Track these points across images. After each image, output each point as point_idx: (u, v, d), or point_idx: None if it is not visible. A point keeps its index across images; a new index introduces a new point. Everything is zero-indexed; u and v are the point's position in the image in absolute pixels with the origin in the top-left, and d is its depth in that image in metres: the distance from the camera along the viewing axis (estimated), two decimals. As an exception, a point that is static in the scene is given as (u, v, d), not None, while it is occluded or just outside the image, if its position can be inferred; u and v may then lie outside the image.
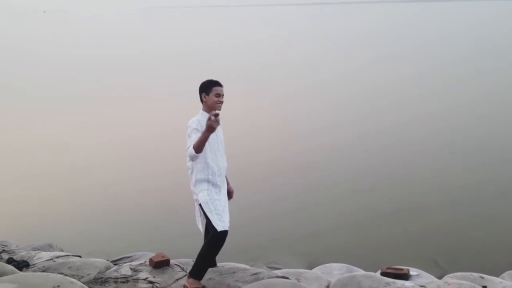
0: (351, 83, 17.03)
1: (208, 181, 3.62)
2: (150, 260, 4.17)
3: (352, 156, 9.05)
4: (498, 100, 13.43)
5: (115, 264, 4.48)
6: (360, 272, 4.33)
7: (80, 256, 4.71)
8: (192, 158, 3.50)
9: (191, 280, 3.64)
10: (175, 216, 6.30)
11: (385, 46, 28.04)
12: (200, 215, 3.67)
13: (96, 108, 13.70)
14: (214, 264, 4.02)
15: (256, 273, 4.00)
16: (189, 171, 3.68)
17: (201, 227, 3.75)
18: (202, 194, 3.60)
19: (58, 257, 4.49)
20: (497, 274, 4.34)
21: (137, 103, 14.18)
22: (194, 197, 3.68)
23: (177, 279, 3.87)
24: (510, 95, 14.39)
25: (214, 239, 3.53)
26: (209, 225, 3.57)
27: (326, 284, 4.04)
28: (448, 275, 4.26)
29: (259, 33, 42.51)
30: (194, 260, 3.73)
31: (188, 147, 3.45)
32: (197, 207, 3.69)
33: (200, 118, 3.61)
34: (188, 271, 3.75)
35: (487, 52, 24.07)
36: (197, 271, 3.65)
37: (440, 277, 4.29)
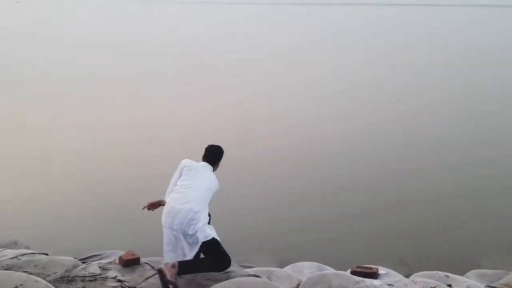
0: (341, 78, 17.35)
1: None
2: (120, 258, 4.10)
3: (325, 156, 9.16)
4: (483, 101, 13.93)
5: (83, 263, 4.38)
6: (330, 270, 4.38)
7: (46, 254, 4.58)
8: None
9: (174, 270, 3.57)
10: (146, 213, 6.19)
11: (378, 42, 28.84)
12: (195, 251, 3.74)
13: (67, 103, 13.36)
14: None
15: (227, 272, 3.99)
16: (199, 213, 3.74)
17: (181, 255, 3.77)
18: (212, 231, 3.81)
19: (23, 255, 4.35)
20: (461, 273, 4.49)
21: (106, 101, 13.89)
22: (202, 234, 3.71)
23: (147, 278, 3.82)
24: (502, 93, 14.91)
25: (226, 266, 3.82)
26: (219, 256, 3.78)
27: (297, 282, 4.06)
28: (415, 274, 4.38)
29: (248, 29, 42.64)
30: (195, 263, 3.74)
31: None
32: (198, 245, 3.73)
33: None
34: (178, 262, 3.69)
35: (481, 49, 25.31)
36: (186, 271, 3.70)
37: (407, 276, 4.39)
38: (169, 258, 3.80)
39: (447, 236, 6.00)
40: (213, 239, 3.78)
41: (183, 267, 3.68)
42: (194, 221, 3.69)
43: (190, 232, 3.70)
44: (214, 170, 4.06)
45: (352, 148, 9.63)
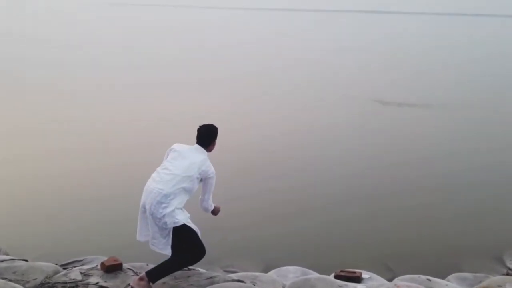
0: (327, 70, 17.74)
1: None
2: (102, 264, 4.04)
3: (308, 157, 9.24)
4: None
5: (64, 268, 4.30)
6: (314, 275, 4.40)
7: (26, 260, 4.48)
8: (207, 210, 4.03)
9: (143, 282, 3.55)
10: (128, 218, 6.11)
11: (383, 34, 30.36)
12: (168, 236, 3.66)
13: (40, 102, 13.14)
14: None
15: (211, 277, 3.97)
16: (170, 197, 3.62)
17: (162, 248, 3.73)
18: (183, 217, 3.71)
19: (1, 261, 4.25)
20: (443, 276, 4.56)
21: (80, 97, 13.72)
22: (171, 220, 3.61)
23: (129, 284, 3.77)
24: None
25: (199, 257, 3.76)
26: (192, 245, 3.71)
27: (281, 287, 4.07)
28: (397, 278, 4.43)
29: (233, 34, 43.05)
30: (163, 265, 3.68)
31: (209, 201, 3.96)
32: (168, 231, 3.65)
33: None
34: (145, 272, 3.65)
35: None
36: (158, 277, 3.65)
37: (390, 280, 4.44)
38: (142, 237, 3.84)
39: (429, 239, 6.08)
40: (185, 226, 3.67)
41: (155, 274, 3.63)
42: (163, 205, 3.60)
43: (159, 216, 3.62)
44: (210, 150, 3.90)
45: (336, 153, 9.70)
